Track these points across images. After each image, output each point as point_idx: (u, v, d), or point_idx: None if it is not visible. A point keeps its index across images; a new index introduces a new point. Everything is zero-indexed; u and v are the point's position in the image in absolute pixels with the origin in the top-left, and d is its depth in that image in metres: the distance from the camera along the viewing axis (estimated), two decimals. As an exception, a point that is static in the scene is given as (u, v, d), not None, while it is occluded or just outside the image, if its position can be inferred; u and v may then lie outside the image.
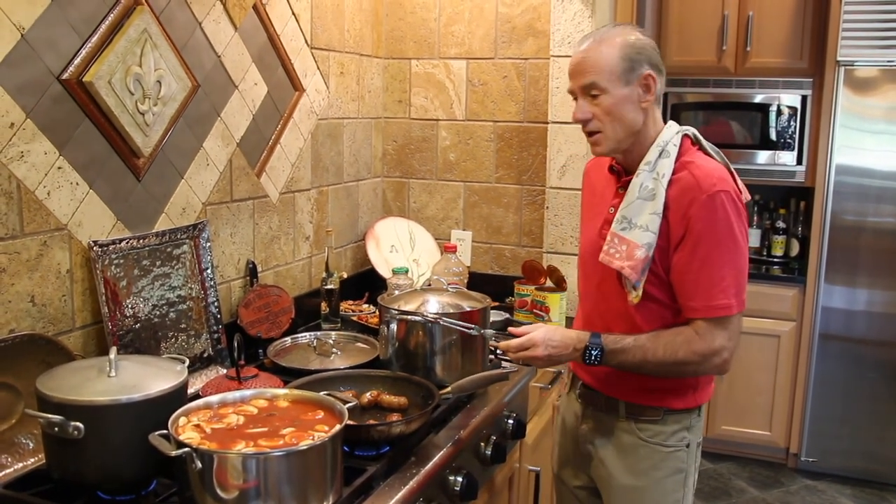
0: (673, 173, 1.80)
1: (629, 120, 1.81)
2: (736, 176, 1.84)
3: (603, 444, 1.98)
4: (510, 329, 1.87)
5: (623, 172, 1.90)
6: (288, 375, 2.12)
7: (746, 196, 1.84)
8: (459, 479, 1.82)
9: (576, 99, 1.85)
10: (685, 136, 1.86)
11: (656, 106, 1.86)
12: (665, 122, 1.88)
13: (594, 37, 1.82)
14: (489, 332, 1.94)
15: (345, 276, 2.97)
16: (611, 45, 1.79)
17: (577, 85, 1.82)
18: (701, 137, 1.88)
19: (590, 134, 1.84)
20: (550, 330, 1.85)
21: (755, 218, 4.66)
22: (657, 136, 1.84)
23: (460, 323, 1.97)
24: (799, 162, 4.38)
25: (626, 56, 1.78)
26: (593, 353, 1.80)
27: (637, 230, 1.78)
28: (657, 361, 1.79)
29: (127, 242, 1.99)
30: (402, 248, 3.24)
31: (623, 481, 1.95)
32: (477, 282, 3.00)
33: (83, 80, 1.84)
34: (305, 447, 1.40)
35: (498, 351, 1.88)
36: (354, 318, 2.78)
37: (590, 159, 2.14)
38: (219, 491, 1.35)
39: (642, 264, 1.77)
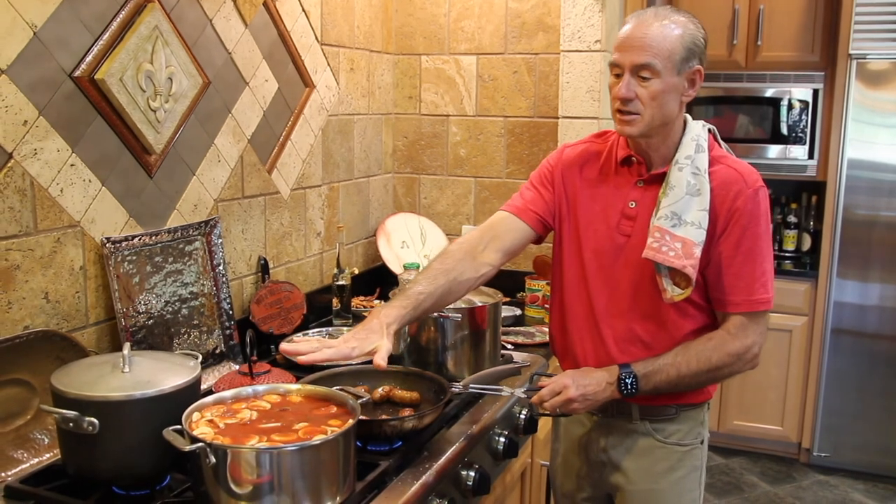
0: (708, 167, 1.77)
1: (669, 110, 1.74)
2: None
3: (617, 450, 1.94)
4: (539, 382, 1.84)
5: (644, 166, 1.83)
6: (300, 371, 2.11)
7: None
8: (472, 473, 1.82)
9: (618, 75, 1.73)
10: (709, 131, 1.84)
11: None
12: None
13: (654, 14, 1.71)
14: (519, 390, 1.90)
15: (356, 271, 2.97)
16: (674, 28, 1.69)
17: (631, 61, 1.69)
18: (717, 134, 1.86)
19: (625, 113, 1.74)
20: (577, 371, 1.80)
21: (766, 212, 4.64)
22: (681, 129, 1.80)
23: (490, 387, 1.92)
24: (811, 156, 4.36)
25: (685, 45, 1.70)
26: (628, 381, 1.74)
27: (690, 227, 1.72)
28: (692, 374, 1.75)
29: (139, 239, 2.00)
30: (413, 244, 3.24)
31: (642, 486, 1.91)
32: (488, 277, 2.99)
33: (95, 77, 1.85)
34: (318, 442, 1.40)
35: (537, 409, 1.84)
36: (366, 314, 2.78)
37: (569, 147, 2.00)
38: (232, 486, 1.35)
39: (699, 262, 1.73)
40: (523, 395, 1.89)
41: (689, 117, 1.84)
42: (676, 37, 1.69)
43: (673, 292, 1.75)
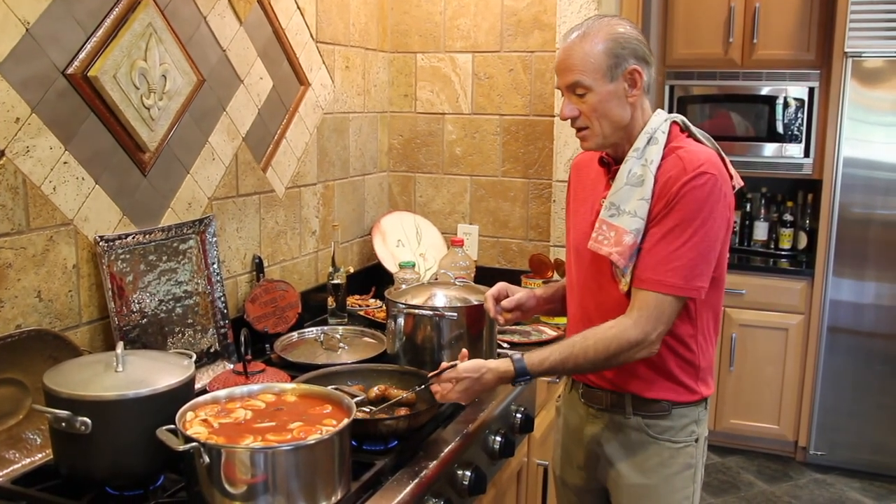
0: (661, 159, 1.78)
1: (616, 116, 1.78)
2: (727, 161, 1.81)
3: (610, 444, 1.95)
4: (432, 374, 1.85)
5: (613, 163, 1.88)
6: (295, 370, 2.11)
7: (739, 182, 1.81)
8: (468, 473, 1.82)
9: (564, 95, 1.83)
10: (673, 122, 1.84)
11: (645, 97, 1.83)
12: (654, 110, 1.86)
13: (577, 31, 1.78)
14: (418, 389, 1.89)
15: (351, 270, 2.96)
16: (594, 40, 1.75)
17: (563, 83, 1.80)
18: (690, 124, 1.86)
19: (578, 130, 1.83)
20: (469, 387, 1.80)
21: (762, 211, 4.65)
22: (646, 125, 1.83)
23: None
24: (806, 154, 4.36)
25: (609, 52, 1.74)
26: (522, 382, 1.80)
27: (625, 216, 1.76)
28: (589, 362, 1.77)
29: (133, 237, 1.99)
30: (408, 243, 3.23)
31: (632, 480, 1.92)
32: (484, 276, 2.99)
33: (88, 74, 1.83)
34: (313, 441, 1.39)
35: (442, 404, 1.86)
36: (361, 313, 2.78)
37: (579, 153, 2.11)
38: (227, 486, 1.35)
39: (630, 250, 1.75)
40: (423, 388, 1.87)
41: (659, 111, 1.85)
42: (599, 51, 1.75)
43: (622, 282, 1.81)
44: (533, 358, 1.79)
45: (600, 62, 1.74)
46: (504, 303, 2.04)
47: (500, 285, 2.06)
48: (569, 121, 1.84)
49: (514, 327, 2.72)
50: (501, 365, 1.79)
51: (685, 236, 1.72)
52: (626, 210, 1.77)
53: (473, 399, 1.84)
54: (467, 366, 1.79)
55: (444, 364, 1.82)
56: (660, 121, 1.82)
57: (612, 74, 1.75)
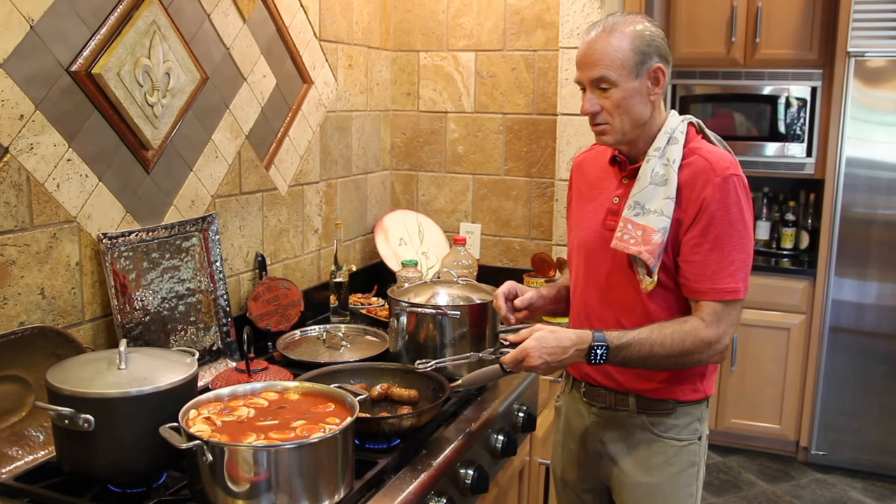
0: (682, 158, 1.79)
1: (637, 113, 1.78)
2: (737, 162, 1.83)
3: (613, 442, 1.95)
4: (502, 337, 1.83)
5: (627, 162, 1.88)
6: (297, 368, 2.11)
7: None
8: (470, 472, 1.81)
9: (583, 90, 1.82)
10: (690, 123, 1.86)
11: (661, 97, 1.84)
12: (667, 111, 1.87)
13: (604, 25, 1.78)
14: (486, 353, 1.91)
15: (354, 268, 2.96)
16: (621, 36, 1.75)
17: (587, 77, 1.78)
18: (704, 126, 1.88)
19: (596, 124, 1.82)
20: (544, 336, 1.73)
21: (764, 210, 4.64)
22: (661, 124, 1.83)
23: (453, 358, 1.96)
24: (808, 154, 4.36)
25: (636, 48, 1.74)
26: (598, 351, 1.71)
27: (652, 215, 1.76)
28: (664, 353, 1.74)
29: (136, 235, 1.99)
30: (410, 241, 3.23)
31: (637, 478, 1.92)
32: (486, 275, 2.99)
33: (92, 71, 1.83)
34: (316, 440, 1.39)
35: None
36: (363, 311, 2.77)
37: (580, 152, 2.12)
38: (229, 484, 1.35)
39: (659, 248, 1.76)
40: (491, 357, 1.90)
41: (674, 112, 1.86)
42: (625, 47, 1.74)
43: (646, 282, 1.80)
44: (611, 333, 1.75)
45: (627, 58, 1.74)
46: (517, 302, 2.01)
47: (509, 284, 2.04)
48: (587, 117, 1.83)
49: (515, 326, 2.72)
50: (577, 329, 1.77)
51: (733, 242, 1.75)
52: (651, 209, 1.77)
53: (545, 356, 1.70)
54: (542, 325, 1.77)
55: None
56: (677, 121, 1.84)
57: (638, 71, 1.75)
